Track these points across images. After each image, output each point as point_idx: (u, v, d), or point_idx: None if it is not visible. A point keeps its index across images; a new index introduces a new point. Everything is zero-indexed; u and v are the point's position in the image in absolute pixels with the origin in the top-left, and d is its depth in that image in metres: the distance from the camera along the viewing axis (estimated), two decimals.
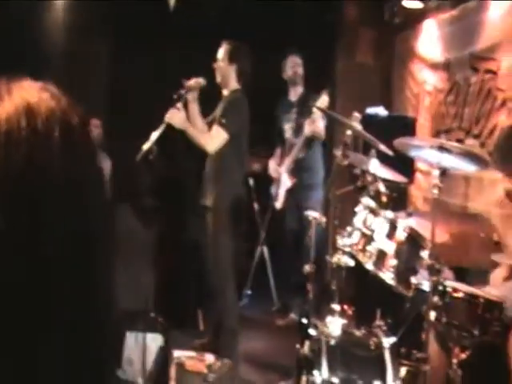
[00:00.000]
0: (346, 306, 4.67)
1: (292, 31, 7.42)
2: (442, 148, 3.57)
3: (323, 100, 5.69)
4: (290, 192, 6.43)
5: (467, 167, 3.89)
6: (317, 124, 6.13)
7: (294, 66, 6.60)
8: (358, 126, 4.14)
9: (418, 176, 6.87)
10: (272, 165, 6.67)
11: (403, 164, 5.04)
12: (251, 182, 6.83)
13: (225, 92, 5.22)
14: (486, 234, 5.28)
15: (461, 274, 4.37)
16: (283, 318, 6.41)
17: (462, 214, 6.03)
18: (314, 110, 5.94)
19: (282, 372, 4.94)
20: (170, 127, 4.70)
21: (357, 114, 4.19)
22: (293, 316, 6.21)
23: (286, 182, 6.40)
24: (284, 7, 7.37)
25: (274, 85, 6.65)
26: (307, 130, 6.16)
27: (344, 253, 3.90)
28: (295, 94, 6.64)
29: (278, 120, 6.69)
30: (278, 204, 6.49)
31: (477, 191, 5.93)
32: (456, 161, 3.72)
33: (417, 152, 3.86)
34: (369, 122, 6.71)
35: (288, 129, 6.58)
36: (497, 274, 4.19)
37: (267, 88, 6.44)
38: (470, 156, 3.78)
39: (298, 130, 6.41)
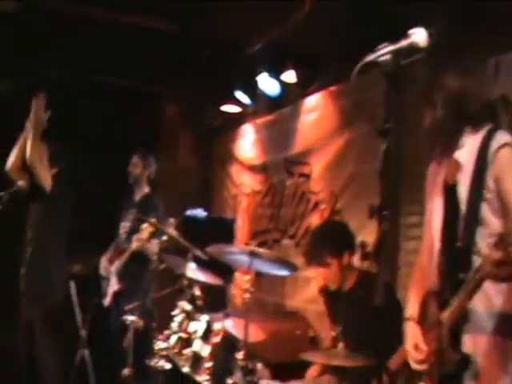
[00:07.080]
0: None
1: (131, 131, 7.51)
2: (252, 254, 3.74)
3: (171, 223, 5.47)
4: (115, 294, 6.30)
5: (277, 271, 4.08)
6: (144, 242, 5.85)
7: (132, 166, 6.48)
8: (174, 232, 4.25)
9: (238, 275, 6.96)
10: (104, 263, 6.41)
11: (223, 263, 5.15)
12: (72, 285, 6.63)
13: None
14: (301, 331, 5.52)
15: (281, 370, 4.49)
16: None
17: (279, 312, 6.24)
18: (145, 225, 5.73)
19: None
20: None
21: (171, 220, 4.30)
22: None
23: (114, 285, 6.27)
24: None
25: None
26: (134, 244, 5.91)
27: (161, 356, 3.95)
28: (139, 193, 6.46)
29: (120, 215, 6.49)
30: (106, 302, 6.35)
31: (292, 289, 6.16)
32: (266, 265, 3.91)
33: (230, 257, 4.01)
34: (189, 223, 6.88)
35: (123, 228, 6.40)
36: (312, 371, 4.36)
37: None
38: (279, 261, 4.00)
39: (131, 233, 6.21)
